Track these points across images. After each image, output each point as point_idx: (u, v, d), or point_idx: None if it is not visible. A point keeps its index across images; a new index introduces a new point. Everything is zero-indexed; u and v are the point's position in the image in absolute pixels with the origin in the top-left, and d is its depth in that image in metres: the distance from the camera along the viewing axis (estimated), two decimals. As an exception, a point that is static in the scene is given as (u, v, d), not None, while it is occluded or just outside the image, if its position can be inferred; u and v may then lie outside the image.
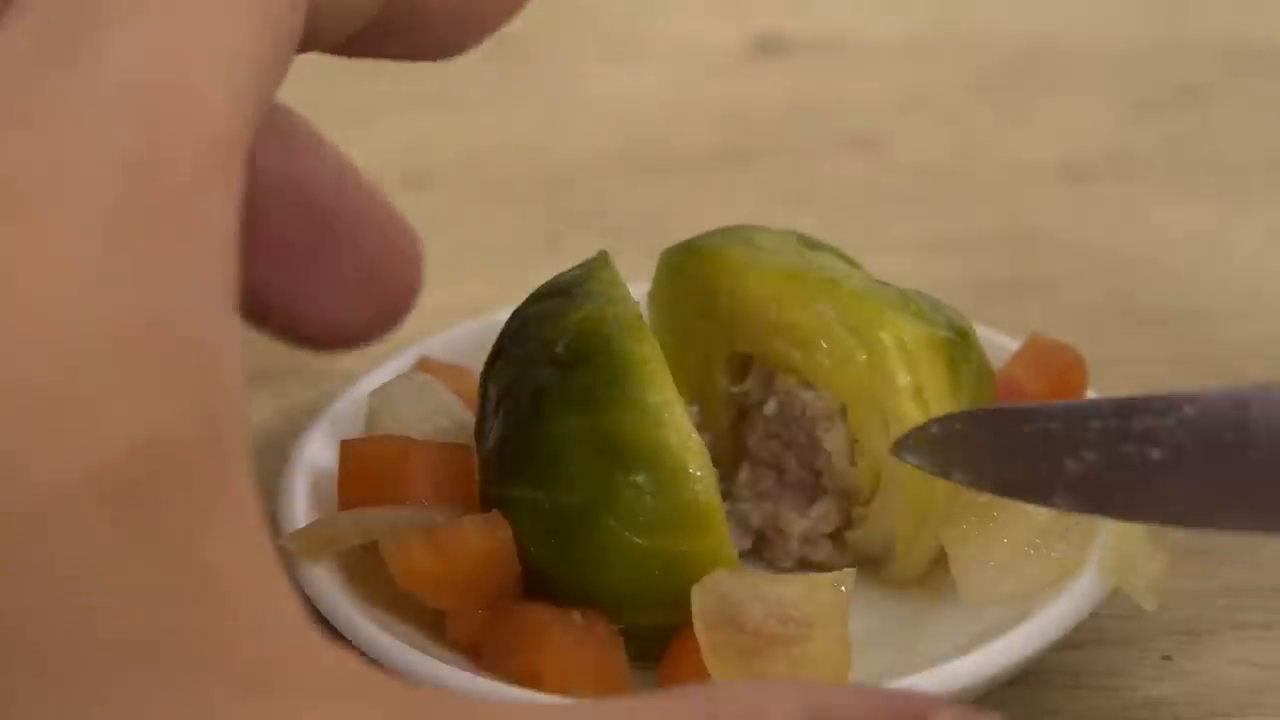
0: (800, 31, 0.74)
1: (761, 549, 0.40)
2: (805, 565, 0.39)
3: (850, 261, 0.40)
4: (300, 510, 0.39)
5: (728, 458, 0.40)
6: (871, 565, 0.39)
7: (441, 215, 0.46)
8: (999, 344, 0.41)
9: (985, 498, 0.36)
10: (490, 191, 0.60)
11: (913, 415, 0.37)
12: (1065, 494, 0.33)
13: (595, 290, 0.37)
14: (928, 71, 0.70)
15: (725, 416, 0.40)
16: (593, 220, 0.57)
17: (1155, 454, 0.32)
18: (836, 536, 0.39)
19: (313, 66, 0.36)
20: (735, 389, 0.40)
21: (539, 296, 0.38)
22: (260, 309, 0.41)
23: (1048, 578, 0.36)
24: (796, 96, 0.68)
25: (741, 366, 0.40)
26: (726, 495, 0.40)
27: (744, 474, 0.40)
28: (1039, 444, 0.34)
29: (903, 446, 0.36)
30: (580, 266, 0.38)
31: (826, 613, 0.34)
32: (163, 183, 0.26)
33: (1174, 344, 0.51)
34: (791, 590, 0.35)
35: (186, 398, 0.25)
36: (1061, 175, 0.61)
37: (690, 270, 0.40)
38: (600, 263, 0.38)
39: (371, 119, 0.64)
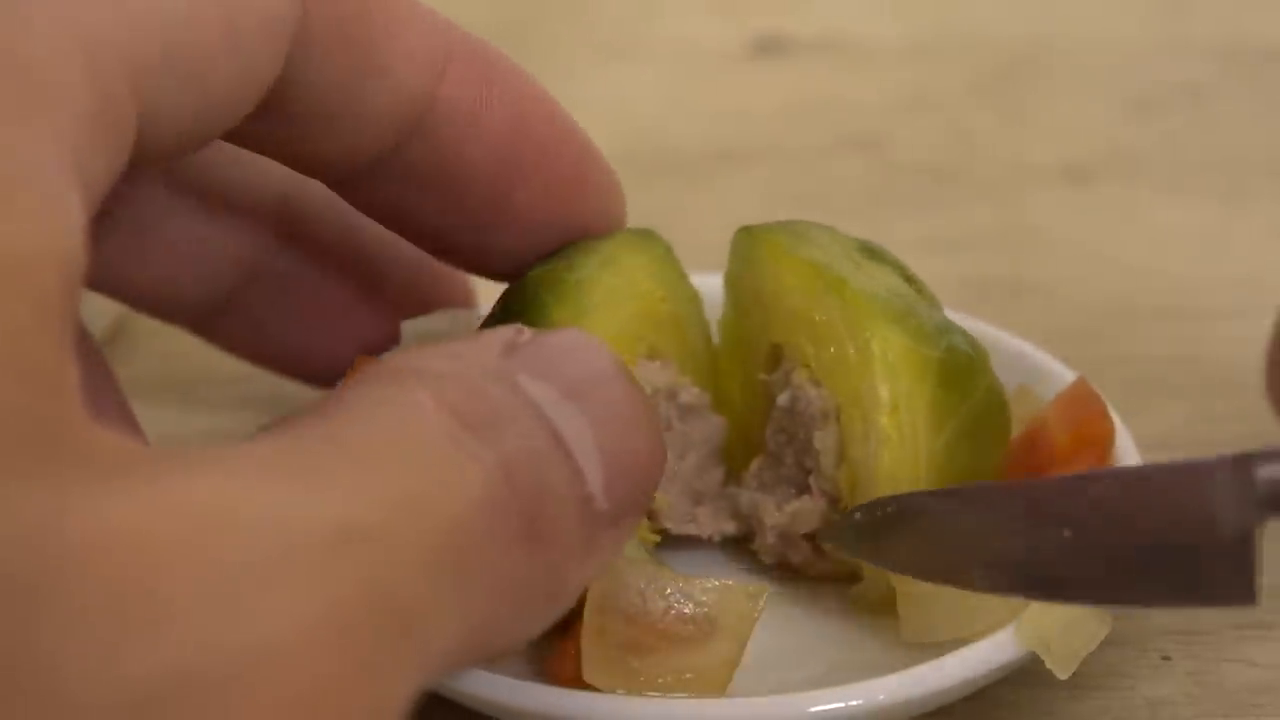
0: (800, 31, 0.74)
1: (750, 540, 0.40)
2: (784, 565, 0.39)
3: (909, 279, 0.39)
4: None
5: (749, 445, 0.40)
6: (847, 580, 0.39)
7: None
8: (1061, 375, 0.41)
9: None
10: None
11: (887, 429, 0.36)
12: (983, 577, 0.34)
13: (569, 254, 0.38)
14: (928, 71, 0.70)
15: (759, 404, 0.40)
16: (592, 220, 0.57)
17: (1066, 534, 0.33)
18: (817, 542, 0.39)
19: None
20: (765, 377, 0.40)
21: (552, 253, 0.39)
22: (448, 244, 0.39)
23: (984, 628, 0.35)
24: (796, 96, 0.68)
25: (778, 356, 0.40)
26: (733, 481, 0.40)
27: (755, 463, 0.40)
28: (958, 529, 0.34)
29: (825, 534, 0.37)
30: (609, 236, 0.39)
31: (733, 622, 0.34)
32: None
33: (1174, 344, 0.51)
34: (702, 591, 0.35)
35: (29, 216, 0.25)
36: (1061, 175, 0.61)
37: (746, 253, 0.40)
38: (612, 236, 0.39)
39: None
